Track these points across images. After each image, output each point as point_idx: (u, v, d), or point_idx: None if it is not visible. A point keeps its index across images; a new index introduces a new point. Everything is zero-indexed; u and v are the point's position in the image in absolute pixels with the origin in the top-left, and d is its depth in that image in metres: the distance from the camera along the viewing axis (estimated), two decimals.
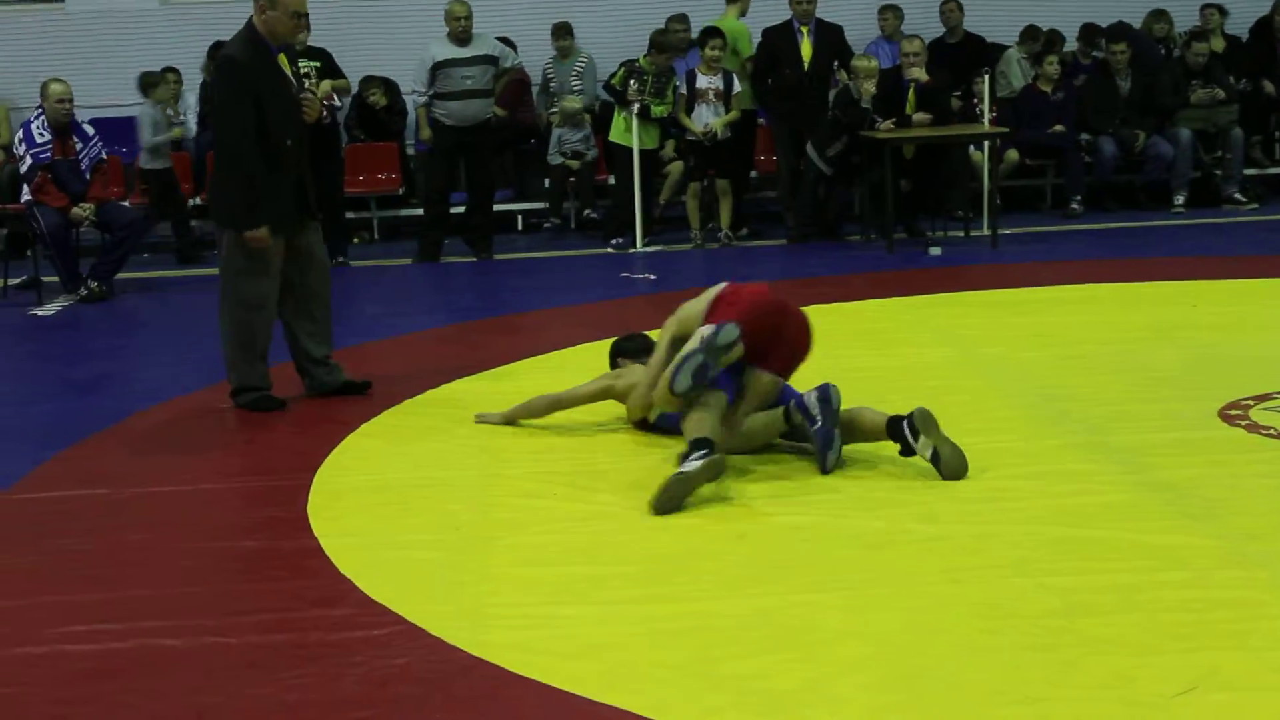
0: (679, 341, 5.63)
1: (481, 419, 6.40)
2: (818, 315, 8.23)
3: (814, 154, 11.63)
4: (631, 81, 11.52)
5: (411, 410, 6.77)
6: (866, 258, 10.96)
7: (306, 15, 6.69)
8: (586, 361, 6.94)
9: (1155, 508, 4.98)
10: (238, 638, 4.21)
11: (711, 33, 11.79)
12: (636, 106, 11.49)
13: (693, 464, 5.18)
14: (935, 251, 10.98)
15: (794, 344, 5.73)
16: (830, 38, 11.93)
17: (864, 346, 7.47)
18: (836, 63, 11.96)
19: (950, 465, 5.36)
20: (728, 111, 11.73)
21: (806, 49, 11.78)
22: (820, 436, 5.47)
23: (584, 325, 8.30)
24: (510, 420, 6.35)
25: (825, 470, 5.46)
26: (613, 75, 11.94)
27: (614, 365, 6.41)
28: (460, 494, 5.49)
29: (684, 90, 11.72)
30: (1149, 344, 7.45)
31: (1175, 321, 8.02)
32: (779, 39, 11.86)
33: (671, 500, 5.12)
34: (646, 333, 6.43)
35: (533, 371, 7.25)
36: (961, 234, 11.70)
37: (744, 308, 5.60)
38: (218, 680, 3.94)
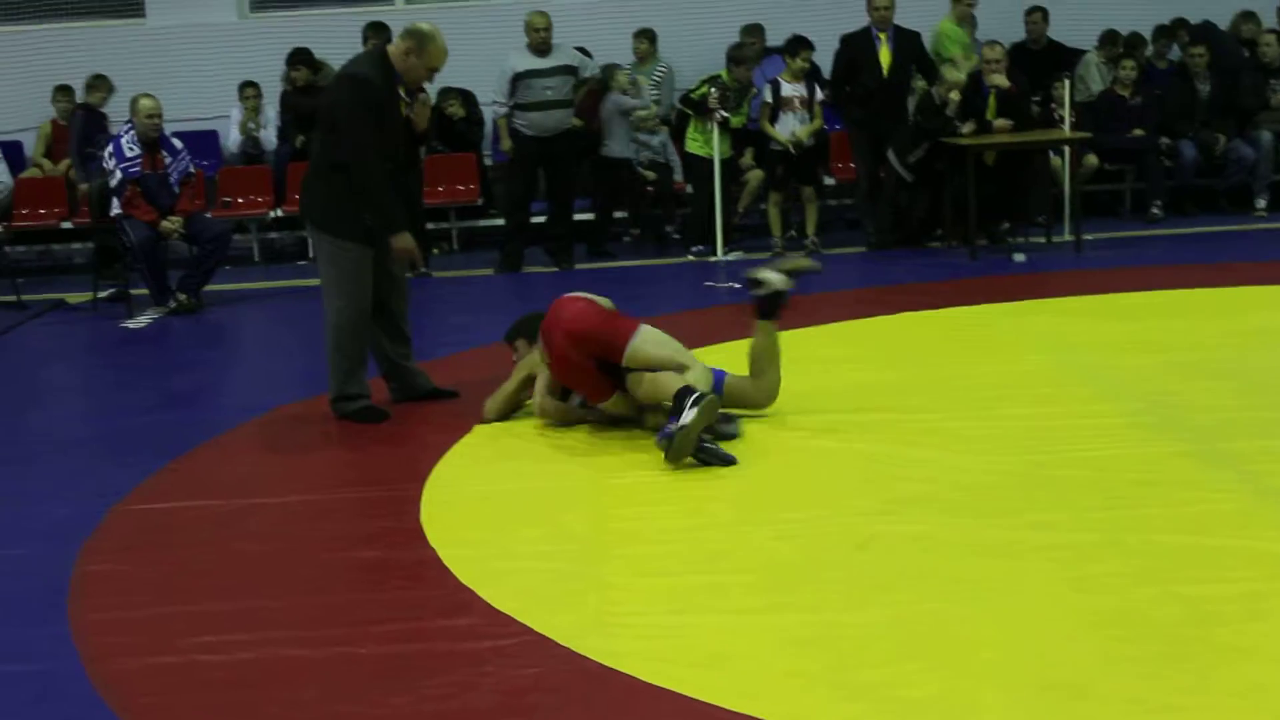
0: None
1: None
2: (910, 322, 8.42)
3: (895, 160, 11.61)
4: (712, 91, 11.50)
5: (509, 420, 6.80)
6: (949, 265, 10.90)
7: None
8: None
9: (1271, 515, 4.94)
10: (367, 648, 4.24)
11: (802, 43, 11.82)
12: (720, 117, 11.51)
13: (689, 414, 5.72)
14: (1020, 258, 10.92)
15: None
16: (908, 44, 11.90)
17: (963, 354, 7.44)
18: (914, 68, 11.99)
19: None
20: (812, 119, 11.76)
21: (885, 56, 11.76)
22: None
23: (670, 333, 8.28)
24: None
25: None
26: (692, 90, 11.96)
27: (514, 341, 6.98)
28: (571, 504, 5.52)
29: (769, 99, 11.73)
30: (1247, 349, 7.39)
31: (1270, 325, 7.96)
32: (857, 46, 11.84)
33: (680, 453, 5.73)
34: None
35: None
36: (1043, 240, 11.63)
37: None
38: (352, 689, 3.98)
